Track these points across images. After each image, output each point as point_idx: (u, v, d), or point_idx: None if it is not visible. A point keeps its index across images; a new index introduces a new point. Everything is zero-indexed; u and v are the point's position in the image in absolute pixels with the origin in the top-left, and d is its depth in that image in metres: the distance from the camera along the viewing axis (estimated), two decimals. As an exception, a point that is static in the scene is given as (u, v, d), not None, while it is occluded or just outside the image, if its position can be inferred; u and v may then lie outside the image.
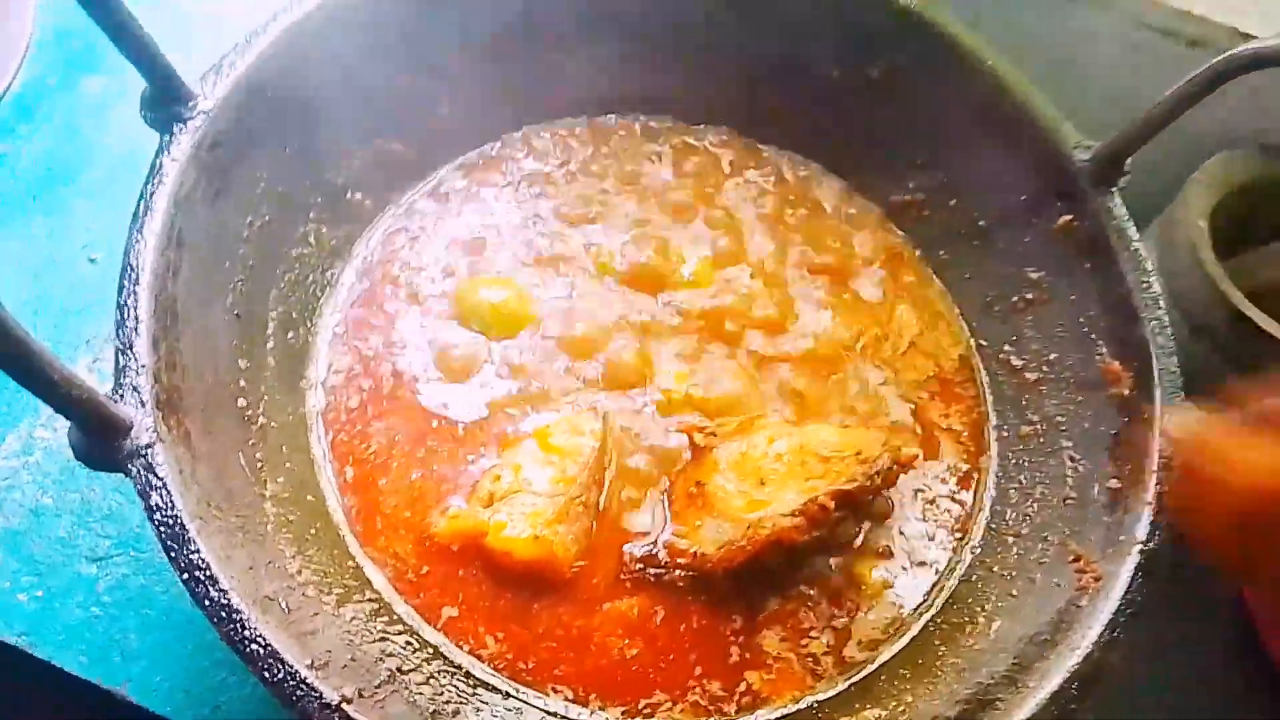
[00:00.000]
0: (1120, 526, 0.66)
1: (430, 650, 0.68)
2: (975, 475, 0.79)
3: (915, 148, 0.88)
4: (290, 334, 0.77)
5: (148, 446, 0.56)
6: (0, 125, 0.98)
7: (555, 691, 0.67)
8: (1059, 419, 0.76)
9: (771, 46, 0.88)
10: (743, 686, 0.69)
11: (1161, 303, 0.71)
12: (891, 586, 0.72)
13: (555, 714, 0.68)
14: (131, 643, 0.76)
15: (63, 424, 0.82)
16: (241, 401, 0.69)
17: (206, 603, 0.55)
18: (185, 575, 0.55)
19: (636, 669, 0.68)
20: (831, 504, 0.64)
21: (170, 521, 0.56)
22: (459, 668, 0.67)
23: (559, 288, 0.83)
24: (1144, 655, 0.67)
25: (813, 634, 0.70)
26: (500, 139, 0.91)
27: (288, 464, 0.71)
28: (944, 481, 0.78)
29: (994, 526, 0.76)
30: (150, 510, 0.56)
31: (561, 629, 0.69)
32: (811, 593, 0.70)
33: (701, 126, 0.94)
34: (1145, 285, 0.71)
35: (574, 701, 0.68)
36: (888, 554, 0.73)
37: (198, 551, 0.55)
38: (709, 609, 0.70)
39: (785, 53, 0.88)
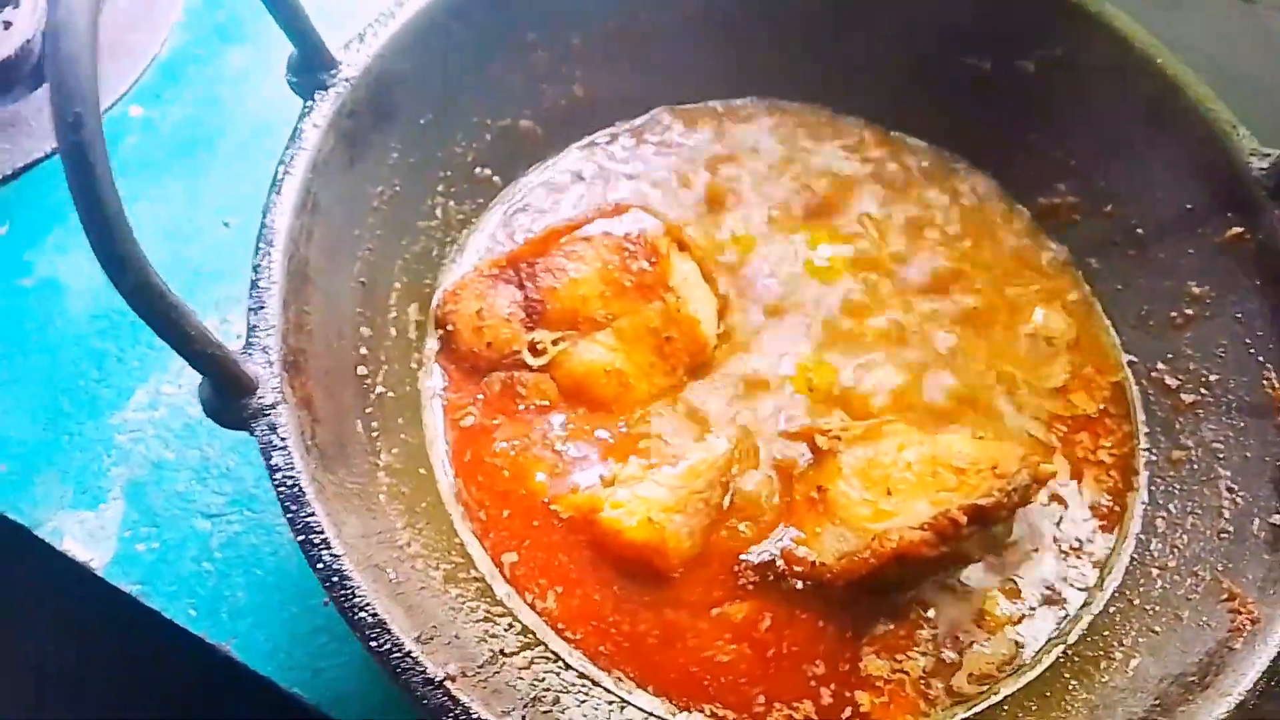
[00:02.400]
0: (1285, 567, 0.60)
1: (531, 636, 0.66)
2: (1119, 499, 0.73)
3: (1069, 148, 0.82)
4: (412, 305, 0.77)
5: (272, 406, 0.57)
6: (147, 90, 1.01)
7: (654, 691, 0.65)
8: (1216, 445, 0.70)
9: (922, 34, 0.84)
10: (849, 710, 0.66)
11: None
12: (1016, 621, 0.67)
13: (653, 714, 0.66)
14: (239, 600, 0.78)
15: (188, 382, 0.86)
16: (362, 370, 0.69)
17: (319, 565, 0.54)
18: (301, 537, 0.55)
19: (740, 677, 0.66)
20: (964, 519, 0.60)
21: (289, 482, 0.56)
22: (557, 656, 0.66)
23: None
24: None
25: (927, 658, 0.66)
26: (632, 119, 0.89)
27: (403, 435, 0.71)
28: (1084, 504, 0.73)
29: (1137, 557, 0.70)
30: (271, 470, 0.56)
31: (666, 627, 0.67)
32: (929, 615, 0.66)
33: (845, 115, 0.90)
34: (1324, 306, 0.65)
35: (674, 704, 0.66)
36: (1014, 578, 0.69)
37: (314, 514, 0.55)
38: (821, 622, 0.67)
39: (935, 41, 0.84)
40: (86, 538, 0.80)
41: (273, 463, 0.56)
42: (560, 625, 0.68)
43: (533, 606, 0.69)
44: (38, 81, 1.04)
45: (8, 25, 1.04)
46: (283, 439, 0.56)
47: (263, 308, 0.60)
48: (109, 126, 0.99)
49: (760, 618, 0.67)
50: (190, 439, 0.84)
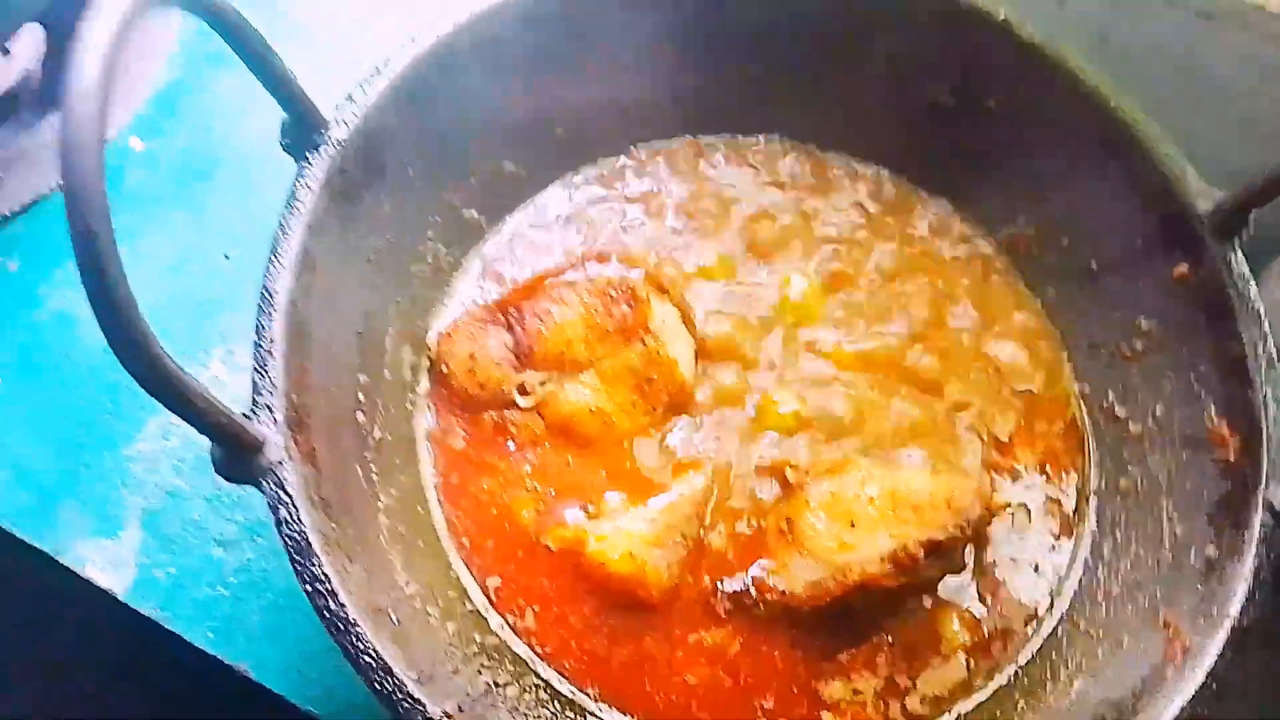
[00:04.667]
0: (1214, 597, 0.65)
1: (521, 665, 0.72)
2: (1068, 526, 0.78)
3: (1029, 182, 0.86)
4: (406, 348, 0.81)
5: (278, 463, 0.61)
6: (146, 122, 1.05)
7: (638, 716, 0.71)
8: (1159, 476, 0.75)
9: (888, 70, 0.88)
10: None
11: (1278, 366, 0.69)
12: (969, 646, 0.72)
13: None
14: (253, 623, 0.83)
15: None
16: (360, 415, 0.74)
17: (326, 613, 0.59)
18: (308, 587, 0.60)
19: (714, 698, 0.71)
20: (921, 553, 0.66)
21: (297, 535, 0.60)
22: (547, 684, 0.71)
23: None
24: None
25: (884, 681, 0.71)
26: (611, 157, 0.93)
27: (400, 476, 0.76)
28: (1036, 529, 0.78)
29: (1085, 582, 0.75)
30: (279, 524, 0.61)
31: (646, 653, 0.73)
32: (889, 640, 0.72)
33: (810, 146, 0.94)
34: (1261, 347, 0.69)
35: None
36: (968, 602, 0.74)
37: (320, 565, 0.60)
38: (790, 646, 0.72)
39: (901, 76, 0.88)
40: (107, 565, 0.85)
41: (280, 517, 0.61)
42: (547, 652, 0.73)
43: (522, 635, 0.74)
44: (41, 113, 1.07)
45: (6, 52, 1.07)
46: (289, 495, 0.61)
47: (266, 369, 0.64)
48: (112, 159, 1.03)
49: (733, 643, 0.72)
50: (202, 468, 0.87)
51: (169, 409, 0.54)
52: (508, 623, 0.74)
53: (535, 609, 0.75)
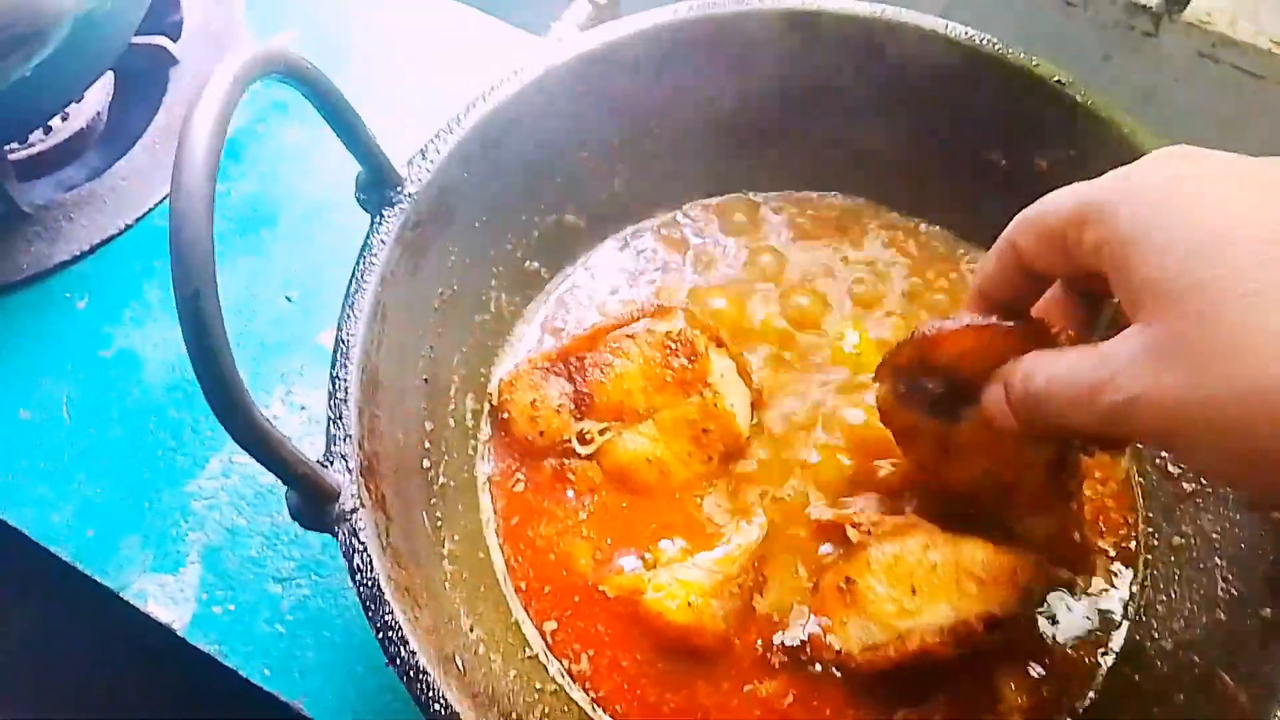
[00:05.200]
0: (1272, 659, 0.65)
1: (578, 711, 0.73)
2: (1120, 583, 0.79)
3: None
4: (469, 396, 0.83)
5: (352, 512, 0.63)
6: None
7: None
8: (1214, 535, 0.75)
9: (939, 130, 0.90)
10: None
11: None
12: (1026, 707, 0.72)
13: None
14: (309, 660, 0.84)
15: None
16: (425, 463, 0.76)
17: (398, 661, 0.61)
18: (381, 635, 0.61)
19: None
20: (981, 627, 0.66)
21: (370, 584, 0.62)
22: (603, 730, 0.72)
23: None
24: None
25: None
26: (667, 212, 0.95)
27: (463, 522, 0.77)
28: (1091, 588, 0.78)
29: (1139, 637, 0.76)
30: (352, 572, 0.62)
31: (698, 701, 0.73)
32: (945, 699, 0.72)
33: (866, 202, 0.96)
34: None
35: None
36: (1028, 665, 0.74)
37: (392, 613, 0.61)
38: (844, 703, 0.72)
39: (952, 136, 0.89)
40: (167, 600, 0.86)
41: (354, 565, 0.62)
42: (601, 696, 0.74)
43: (580, 682, 0.75)
44: (109, 156, 1.11)
45: (80, 99, 1.11)
46: (362, 543, 0.62)
47: (341, 418, 0.66)
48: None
49: (786, 695, 0.73)
50: (261, 506, 0.91)
51: (258, 460, 0.56)
52: (564, 668, 0.75)
53: (590, 653, 0.76)
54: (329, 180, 1.07)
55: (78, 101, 1.11)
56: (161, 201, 1.06)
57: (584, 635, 0.76)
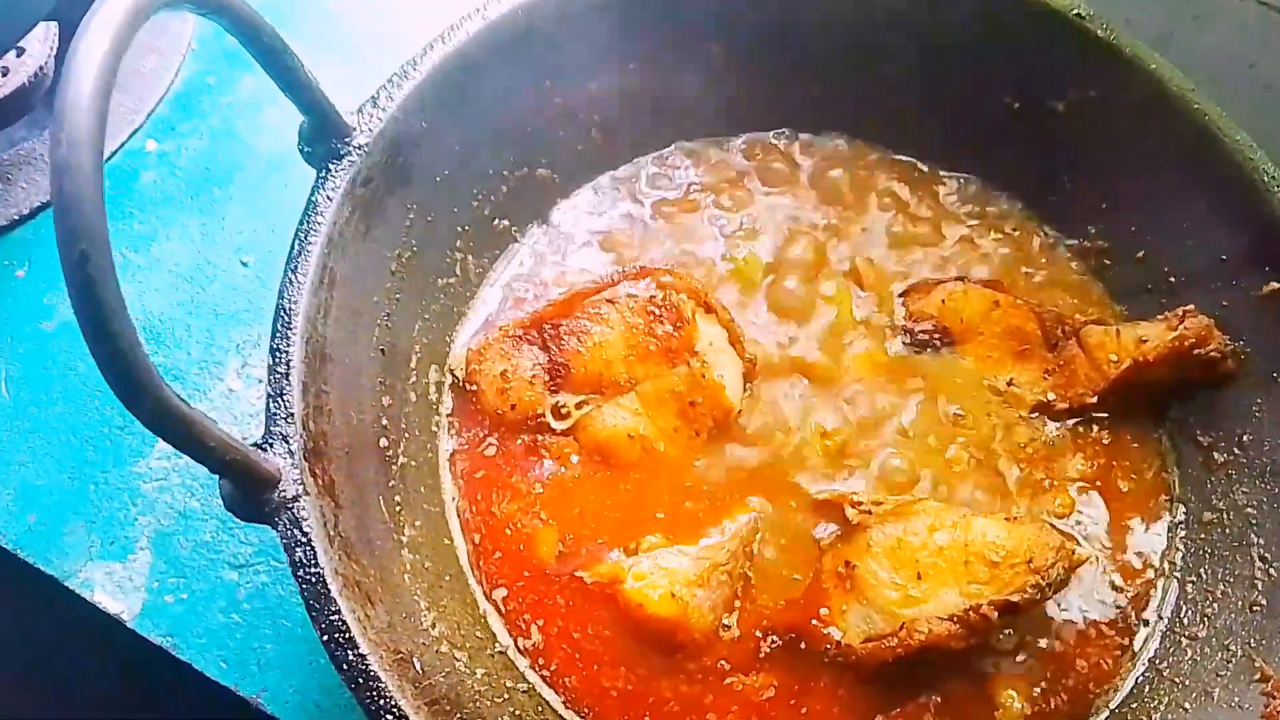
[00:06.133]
0: (1318, 650, 0.59)
1: (551, 713, 0.67)
2: (1148, 563, 0.72)
3: (1100, 191, 0.80)
4: (432, 367, 0.76)
5: (294, 499, 0.57)
6: (162, 123, 1.01)
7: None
8: (1249, 510, 0.69)
9: (946, 69, 0.82)
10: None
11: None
12: (1025, 715, 0.66)
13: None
14: (268, 652, 0.78)
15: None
16: (383, 441, 0.69)
17: (344, 667, 0.55)
18: (325, 636, 0.55)
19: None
20: (995, 614, 0.60)
21: (313, 579, 0.56)
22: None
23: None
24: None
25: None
26: (650, 161, 0.87)
27: (425, 505, 0.71)
28: (1111, 567, 0.72)
29: (1168, 623, 0.70)
30: (294, 565, 0.56)
31: (682, 698, 0.67)
32: (937, 700, 0.66)
33: (864, 150, 0.88)
34: (1366, 374, 0.63)
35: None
36: (1030, 667, 0.68)
37: (338, 612, 0.55)
38: (830, 700, 0.66)
39: (961, 77, 0.82)
40: (115, 589, 0.80)
41: (295, 558, 0.56)
42: (578, 697, 0.68)
43: (554, 685, 0.69)
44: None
45: (20, 52, 1.03)
46: (305, 534, 0.56)
47: (282, 395, 0.59)
48: (126, 161, 0.99)
49: (777, 690, 0.67)
50: (215, 487, 0.83)
51: (176, 448, 0.50)
52: (536, 665, 0.69)
53: (565, 647, 0.70)
54: (288, 135, 0.96)
55: (18, 55, 1.03)
56: (111, 158, 0.98)
57: (562, 631, 0.70)
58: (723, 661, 0.67)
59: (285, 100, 0.64)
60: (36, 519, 0.83)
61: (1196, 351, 0.71)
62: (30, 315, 0.91)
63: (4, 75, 1.04)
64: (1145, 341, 0.73)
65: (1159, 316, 0.75)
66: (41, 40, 1.05)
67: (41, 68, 1.05)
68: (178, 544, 0.82)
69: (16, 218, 0.95)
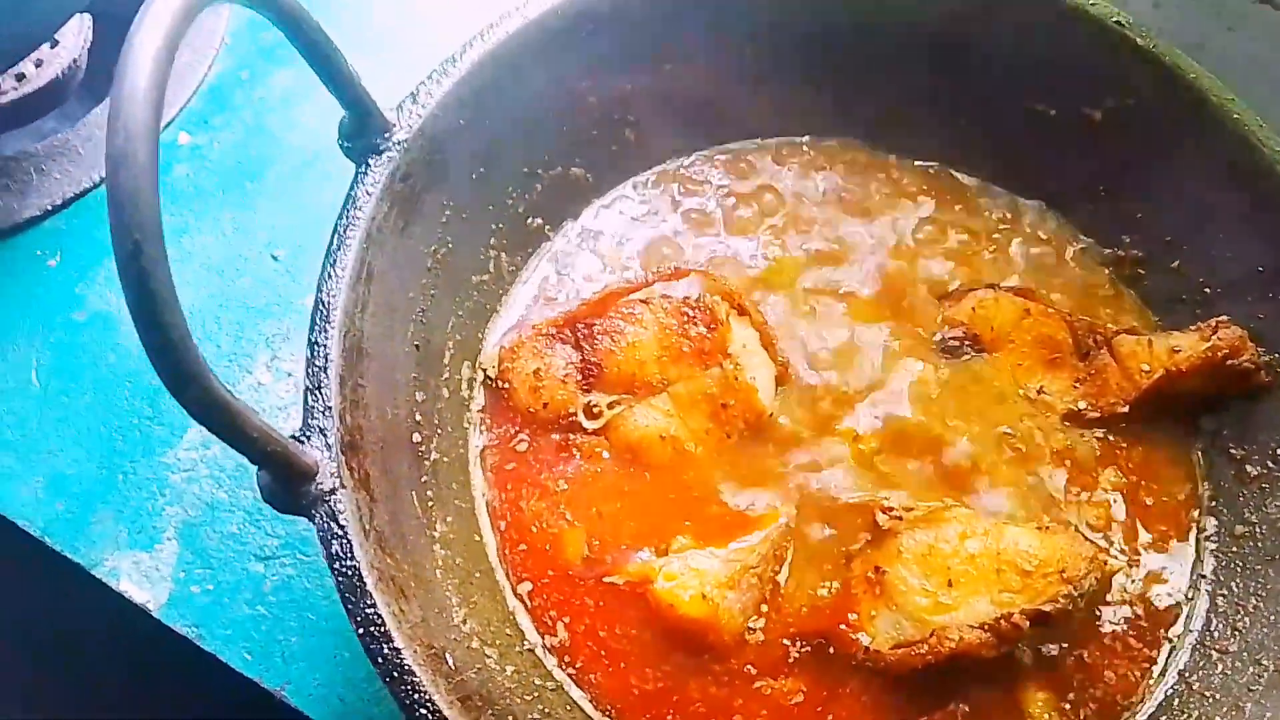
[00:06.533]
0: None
1: (579, 712, 0.67)
2: (1179, 575, 0.72)
3: (1135, 200, 0.80)
4: (465, 364, 0.76)
5: (331, 493, 0.57)
6: (195, 116, 1.01)
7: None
8: (1282, 524, 0.69)
9: (983, 77, 0.82)
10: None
11: None
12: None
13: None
14: (293, 645, 0.78)
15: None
16: (416, 437, 0.69)
17: (380, 660, 0.55)
18: (360, 630, 0.55)
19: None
20: (1027, 624, 0.59)
21: (349, 572, 0.56)
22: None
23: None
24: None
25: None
26: (685, 164, 0.87)
27: (456, 501, 0.71)
28: (1142, 579, 0.71)
29: (1198, 636, 0.69)
30: (330, 558, 0.56)
31: (711, 700, 0.67)
32: (965, 709, 0.65)
33: (894, 157, 0.88)
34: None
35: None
36: (1060, 676, 0.67)
37: (374, 606, 0.55)
38: (858, 706, 0.66)
39: (997, 85, 0.82)
40: (142, 578, 0.81)
41: (332, 551, 0.56)
42: (605, 695, 0.68)
43: (581, 684, 0.69)
44: (88, 104, 1.04)
45: (54, 44, 1.04)
46: (342, 527, 0.56)
47: (320, 388, 0.59)
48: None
49: (805, 695, 0.66)
50: (243, 479, 0.84)
51: (220, 438, 0.50)
52: (564, 663, 0.69)
53: (591, 645, 0.70)
54: (320, 130, 0.99)
55: (52, 46, 1.03)
56: (141, 152, 0.99)
57: (590, 630, 0.70)
58: (750, 665, 0.67)
59: (317, 96, 0.64)
60: (65, 507, 0.83)
61: (1230, 363, 0.71)
62: (62, 305, 0.91)
63: (37, 67, 1.04)
64: (1178, 352, 0.72)
65: (1192, 327, 0.74)
66: (75, 33, 1.05)
67: (75, 60, 1.06)
68: (205, 535, 0.82)
69: (50, 208, 0.95)
